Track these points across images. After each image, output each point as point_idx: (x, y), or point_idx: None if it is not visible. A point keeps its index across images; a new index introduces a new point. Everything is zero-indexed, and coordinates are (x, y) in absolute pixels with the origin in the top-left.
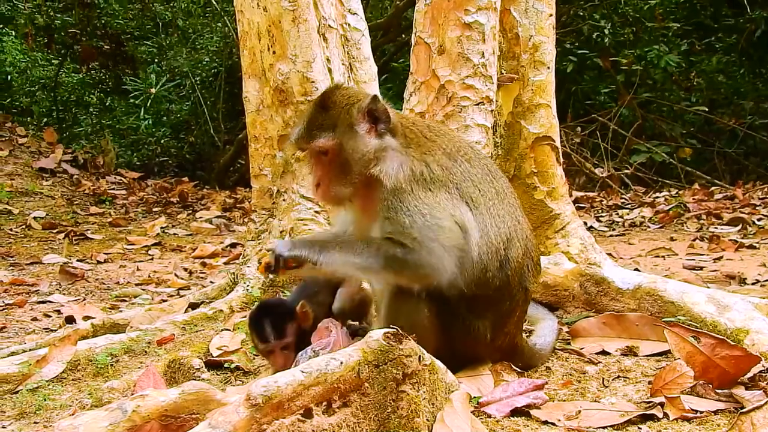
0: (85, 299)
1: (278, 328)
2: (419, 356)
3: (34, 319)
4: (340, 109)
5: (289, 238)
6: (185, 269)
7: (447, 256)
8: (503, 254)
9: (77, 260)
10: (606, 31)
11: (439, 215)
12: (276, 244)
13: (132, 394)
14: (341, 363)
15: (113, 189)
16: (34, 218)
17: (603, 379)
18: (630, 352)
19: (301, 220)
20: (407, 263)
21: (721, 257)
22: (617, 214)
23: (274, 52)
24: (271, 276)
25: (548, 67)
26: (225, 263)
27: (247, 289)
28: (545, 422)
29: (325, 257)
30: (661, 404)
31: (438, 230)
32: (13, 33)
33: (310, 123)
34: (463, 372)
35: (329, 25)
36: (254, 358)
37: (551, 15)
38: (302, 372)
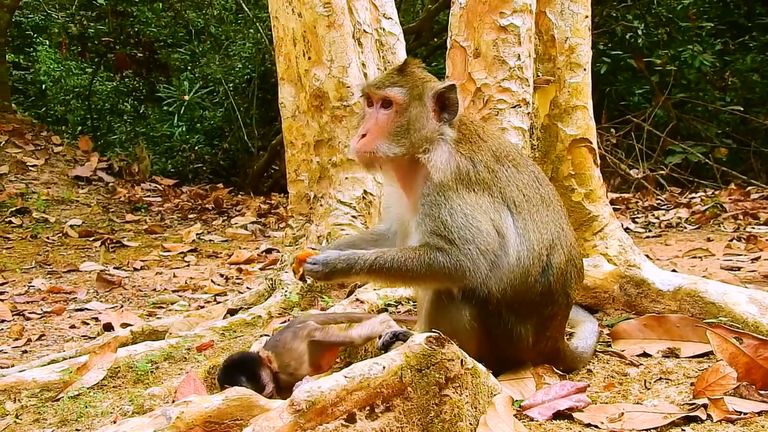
0: (122, 306)
1: (254, 379)
2: (461, 360)
3: (73, 326)
4: (417, 79)
5: (331, 247)
6: (221, 275)
7: (482, 260)
8: (546, 260)
9: (114, 268)
10: (639, 32)
11: (480, 218)
12: (317, 260)
13: (173, 401)
14: (384, 367)
15: (148, 196)
16: (71, 226)
17: (645, 381)
18: (671, 353)
19: (339, 225)
20: (443, 266)
21: (759, 257)
22: (653, 215)
23: (309, 58)
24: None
25: (584, 69)
26: (261, 269)
27: (286, 295)
28: (588, 425)
29: (368, 270)
30: (705, 406)
31: (476, 233)
32: (48, 42)
33: (385, 77)
34: (504, 375)
35: (364, 30)
36: None
37: (587, 16)
38: (345, 377)
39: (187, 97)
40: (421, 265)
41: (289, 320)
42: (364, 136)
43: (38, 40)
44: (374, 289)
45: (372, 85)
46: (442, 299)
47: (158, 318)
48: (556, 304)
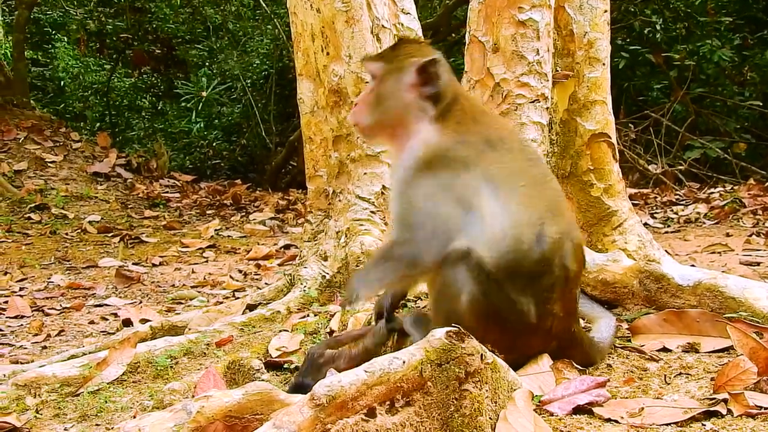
0: (141, 302)
1: None
2: (481, 355)
3: (92, 322)
4: (402, 54)
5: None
6: (240, 271)
7: (433, 242)
8: (538, 229)
9: (133, 263)
10: (658, 27)
11: (441, 198)
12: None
13: (193, 396)
14: (404, 362)
15: (167, 192)
16: (90, 222)
17: (665, 376)
18: (691, 348)
19: (357, 220)
20: (402, 258)
21: None
22: (672, 210)
23: (327, 54)
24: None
25: (603, 64)
26: (279, 264)
27: (305, 290)
28: (608, 420)
29: (365, 290)
30: (725, 401)
31: (433, 215)
32: (66, 39)
33: (376, 53)
34: (523, 370)
35: (382, 26)
36: None
37: (606, 11)
38: (365, 371)
39: (205, 94)
40: (385, 265)
41: (306, 316)
42: (356, 104)
43: (57, 36)
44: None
45: (365, 57)
46: (441, 283)
47: (177, 314)
48: (552, 275)
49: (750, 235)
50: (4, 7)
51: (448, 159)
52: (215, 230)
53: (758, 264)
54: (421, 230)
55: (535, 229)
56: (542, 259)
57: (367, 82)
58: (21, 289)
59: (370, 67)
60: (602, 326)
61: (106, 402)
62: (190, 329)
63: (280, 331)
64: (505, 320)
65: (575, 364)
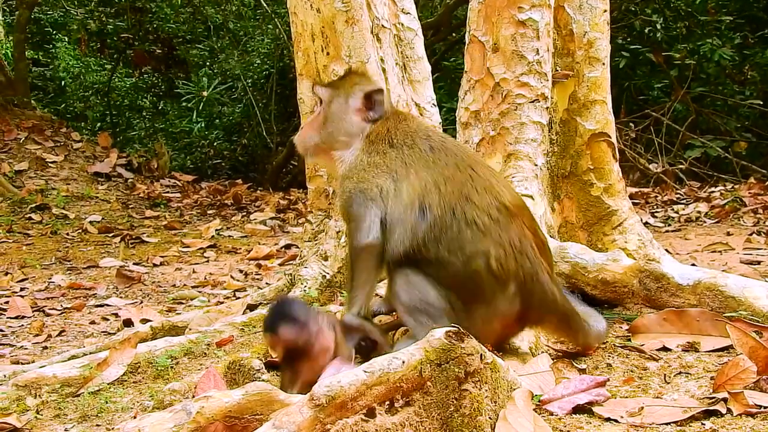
0: (142, 302)
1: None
2: (481, 354)
3: (93, 322)
4: (348, 81)
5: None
6: (241, 271)
7: (372, 225)
8: (419, 202)
9: (133, 263)
10: (658, 26)
11: (367, 186)
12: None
13: (193, 396)
14: (403, 362)
15: (168, 192)
16: (90, 222)
17: (664, 375)
18: (691, 347)
19: None
20: (352, 246)
21: None
22: (672, 209)
23: (328, 53)
24: None
25: (603, 63)
26: (280, 264)
27: (305, 290)
28: (608, 419)
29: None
30: (725, 400)
31: (363, 205)
32: (66, 39)
33: (330, 82)
34: (523, 370)
35: (382, 26)
36: None
37: (605, 11)
38: (365, 371)
39: (205, 93)
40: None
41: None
42: (301, 128)
43: (57, 36)
44: None
45: (314, 85)
46: (390, 274)
47: (178, 314)
48: (451, 230)
49: (750, 234)
50: (5, 7)
51: (363, 164)
52: (216, 230)
53: (759, 263)
54: (354, 222)
55: (416, 205)
56: (434, 224)
57: None
58: (22, 289)
59: (320, 92)
60: (592, 318)
61: (106, 402)
62: (190, 329)
63: None
64: (458, 281)
65: (575, 364)
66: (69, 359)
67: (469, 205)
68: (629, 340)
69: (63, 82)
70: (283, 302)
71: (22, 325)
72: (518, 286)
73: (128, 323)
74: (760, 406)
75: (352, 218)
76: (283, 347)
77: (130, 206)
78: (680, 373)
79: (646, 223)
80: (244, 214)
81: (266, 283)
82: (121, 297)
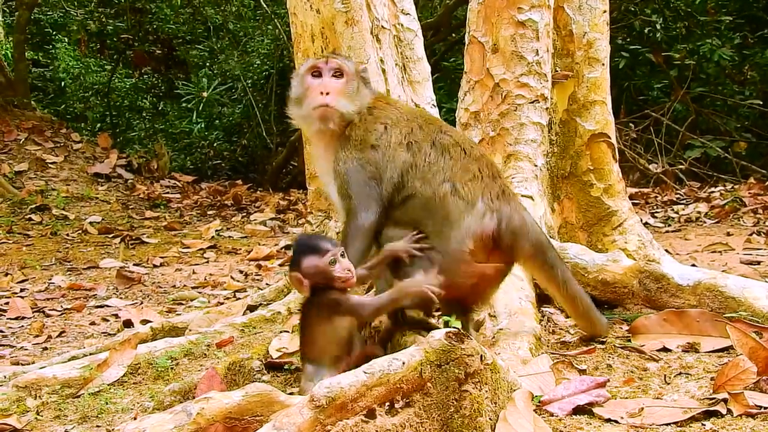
0: (142, 303)
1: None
2: (481, 355)
3: (93, 323)
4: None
5: None
6: (241, 272)
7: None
8: (439, 139)
9: (134, 264)
10: (658, 26)
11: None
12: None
13: (193, 397)
14: (403, 363)
15: (168, 193)
16: (90, 223)
17: (665, 375)
18: (691, 348)
19: None
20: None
21: None
22: (672, 209)
23: None
24: None
25: (603, 64)
26: (280, 265)
27: None
28: (608, 420)
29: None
30: (725, 400)
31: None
32: (66, 39)
33: (331, 55)
34: (524, 371)
35: (382, 26)
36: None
37: (605, 11)
38: (365, 373)
39: (205, 94)
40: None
41: None
42: (327, 95)
43: (57, 37)
44: None
45: (327, 57)
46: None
47: (178, 314)
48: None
49: (750, 234)
50: (5, 8)
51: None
52: (216, 231)
53: (759, 263)
54: (354, 200)
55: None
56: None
57: (367, 84)
58: (22, 290)
59: (346, 64)
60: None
61: (106, 403)
62: (190, 330)
63: (281, 331)
64: (430, 208)
65: (575, 364)
66: (69, 360)
67: (444, 137)
68: (629, 340)
69: (63, 83)
70: (300, 240)
71: (22, 326)
72: (486, 205)
73: (128, 324)
74: (760, 407)
75: (352, 196)
76: (310, 280)
77: (130, 207)
78: (680, 373)
79: (645, 224)
80: (244, 214)
81: (266, 284)
82: (121, 298)
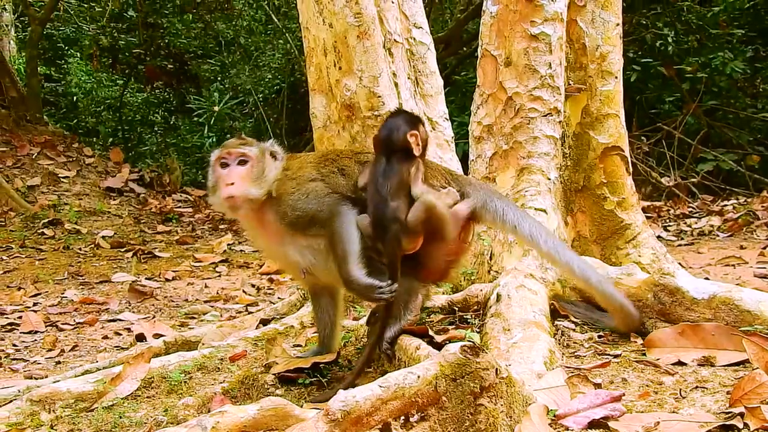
0: (154, 317)
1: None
2: (496, 369)
3: (105, 337)
4: (254, 142)
5: None
6: (253, 285)
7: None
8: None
9: (146, 278)
10: (669, 39)
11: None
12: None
13: (207, 411)
14: (418, 377)
15: (179, 207)
16: (103, 237)
17: (680, 390)
18: (707, 362)
19: None
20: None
21: None
22: (685, 223)
23: (340, 68)
24: None
25: (616, 77)
26: (292, 279)
27: None
28: None
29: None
30: (741, 414)
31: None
32: (78, 54)
33: (235, 143)
34: (538, 384)
35: (395, 40)
36: (327, 374)
37: (618, 24)
38: (380, 386)
39: (217, 108)
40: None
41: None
42: (231, 185)
43: (69, 52)
44: None
45: (229, 147)
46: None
47: (190, 328)
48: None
49: (764, 248)
50: (18, 23)
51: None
52: (228, 245)
53: None
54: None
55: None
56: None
57: (379, 96)
58: (35, 304)
59: (246, 150)
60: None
61: (120, 417)
62: (203, 344)
63: (294, 345)
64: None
65: (590, 378)
66: (83, 374)
67: (363, 156)
68: (644, 354)
69: (75, 98)
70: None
71: (36, 340)
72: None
73: (141, 338)
74: None
75: (319, 209)
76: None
77: (142, 221)
78: (696, 387)
79: (658, 237)
80: None
81: (278, 298)
82: (133, 312)
